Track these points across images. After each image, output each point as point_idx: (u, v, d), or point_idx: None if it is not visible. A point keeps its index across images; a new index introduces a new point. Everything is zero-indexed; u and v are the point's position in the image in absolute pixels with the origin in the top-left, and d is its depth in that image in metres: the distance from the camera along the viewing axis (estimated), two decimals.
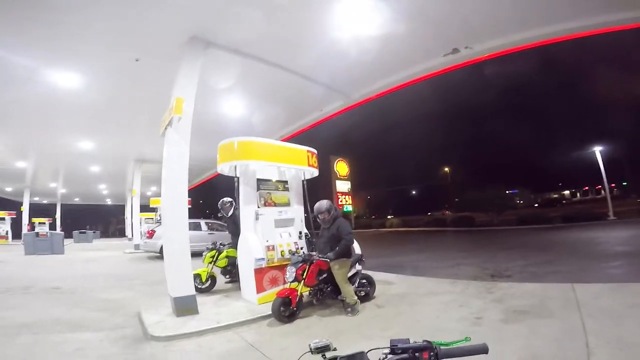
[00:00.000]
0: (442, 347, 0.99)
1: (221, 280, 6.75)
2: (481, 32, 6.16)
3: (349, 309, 4.58)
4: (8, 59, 5.99)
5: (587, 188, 51.77)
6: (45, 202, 30.83)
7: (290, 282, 4.61)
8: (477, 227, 20.93)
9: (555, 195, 56.30)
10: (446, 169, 51.51)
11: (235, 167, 5.65)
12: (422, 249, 12.65)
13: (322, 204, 5.10)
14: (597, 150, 18.36)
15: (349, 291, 4.64)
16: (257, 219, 5.49)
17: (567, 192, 58.31)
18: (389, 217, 37.30)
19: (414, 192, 64.23)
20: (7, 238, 21.56)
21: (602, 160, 18.25)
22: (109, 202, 34.49)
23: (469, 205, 26.96)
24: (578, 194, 55.35)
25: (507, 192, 28.00)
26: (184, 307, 4.72)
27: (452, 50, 6.59)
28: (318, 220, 5.19)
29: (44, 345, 3.70)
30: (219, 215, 7.03)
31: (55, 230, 20.62)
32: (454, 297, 4.95)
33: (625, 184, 38.96)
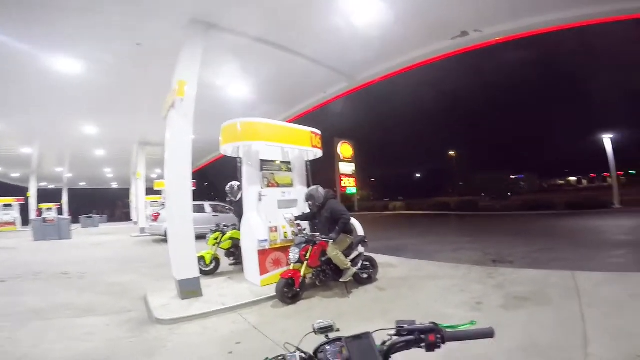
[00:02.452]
0: (448, 330, 0.98)
1: (225, 262, 6.84)
2: (493, 15, 5.95)
3: (343, 278, 4.73)
4: (8, 44, 5.95)
5: (594, 175, 51.26)
6: (51, 187, 31.20)
7: (294, 263, 4.68)
8: (481, 212, 20.92)
9: (562, 182, 55.92)
10: (451, 153, 51.16)
11: (239, 148, 5.65)
12: (425, 233, 12.71)
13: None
14: (608, 137, 18.01)
15: (341, 261, 4.72)
16: (260, 199, 5.51)
17: (573, 178, 57.82)
18: (392, 200, 37.32)
19: (418, 176, 64.11)
20: (15, 225, 21.82)
21: (613, 147, 17.92)
22: (114, 185, 34.82)
23: (473, 190, 26.93)
24: (584, 181, 54.87)
25: (512, 177, 27.84)
26: (189, 289, 4.80)
27: (461, 33, 6.40)
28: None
29: (53, 330, 3.80)
30: (227, 199, 7.07)
31: (62, 215, 20.89)
32: (456, 281, 5.00)
33: (633, 172, 38.49)
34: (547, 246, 7.74)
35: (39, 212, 23.02)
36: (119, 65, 7.10)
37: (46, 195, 27.75)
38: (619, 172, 19.73)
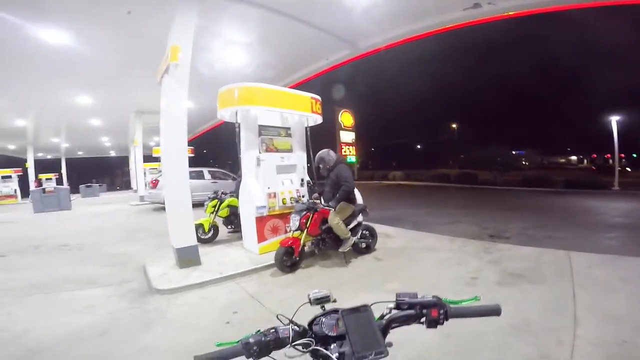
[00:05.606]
0: (451, 306, 0.92)
1: (224, 230, 6.87)
2: None
3: (342, 248, 4.81)
4: None
5: (595, 156, 51.07)
6: (49, 157, 30.81)
7: (294, 231, 4.69)
8: (480, 185, 21.01)
9: (563, 160, 55.80)
10: (453, 125, 50.54)
11: (237, 113, 5.49)
12: (424, 204, 12.81)
13: (319, 154, 5.24)
14: (614, 119, 17.68)
15: (342, 230, 4.75)
16: (258, 164, 5.46)
17: (573, 157, 57.66)
18: (392, 169, 37.35)
19: (419, 147, 63.72)
20: (16, 197, 21.30)
21: (617, 130, 17.64)
22: (112, 154, 34.30)
23: (473, 163, 26.89)
24: (585, 161, 54.75)
25: (513, 152, 27.70)
26: (187, 258, 4.84)
27: (474, 4, 6.05)
28: (320, 170, 5.29)
29: (55, 304, 3.80)
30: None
31: (62, 185, 20.66)
32: (452, 254, 5.09)
33: (635, 155, 38.32)
34: (544, 223, 7.82)
35: (38, 182, 22.90)
36: (108, 34, 6.81)
37: (45, 166, 27.56)
38: (620, 155, 19.56)
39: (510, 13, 6.32)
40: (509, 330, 2.66)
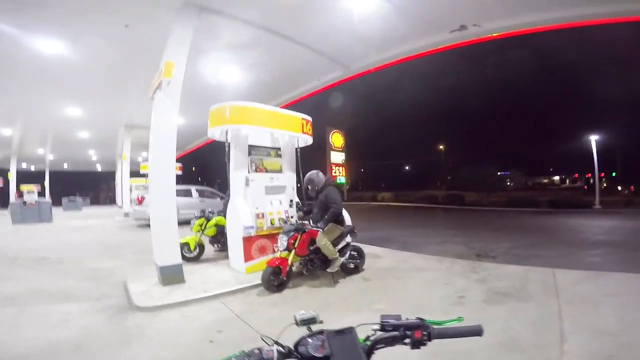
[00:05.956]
0: (435, 327, 0.94)
1: (210, 248, 6.77)
2: (493, 10, 5.90)
3: (330, 268, 4.77)
4: None
5: (577, 175, 52.56)
6: (33, 168, 30.21)
7: (282, 251, 4.63)
8: (467, 206, 21.31)
9: (545, 180, 57.20)
10: (441, 147, 51.60)
11: (227, 132, 5.50)
12: (412, 225, 12.89)
13: (308, 175, 5.29)
14: (593, 139, 18.42)
15: (330, 251, 4.73)
16: (247, 184, 5.45)
17: (556, 177, 59.18)
18: (381, 190, 37.61)
19: (407, 168, 64.53)
20: None
21: (596, 149, 18.38)
22: (99, 168, 33.84)
23: (460, 184, 27.34)
24: (567, 181, 56.25)
25: (498, 173, 28.32)
26: (170, 276, 4.74)
27: (460, 27, 6.34)
28: (309, 191, 5.31)
29: (28, 317, 3.70)
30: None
31: (44, 196, 20.16)
32: (440, 274, 5.09)
33: (614, 174, 39.61)
34: (529, 242, 7.95)
35: (20, 193, 22.21)
36: (104, 47, 6.85)
37: (27, 178, 26.75)
38: (601, 174, 20.25)
39: (495, 35, 6.62)
40: (497, 348, 2.66)
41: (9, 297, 4.35)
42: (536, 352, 2.59)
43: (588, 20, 5.86)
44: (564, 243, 7.91)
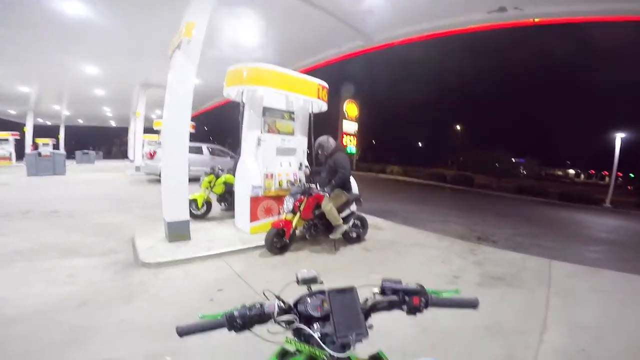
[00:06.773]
0: (432, 295, 0.95)
1: (217, 207, 6.87)
2: None
3: (333, 235, 4.88)
4: None
5: (593, 172, 51.36)
6: (49, 123, 30.58)
7: (287, 213, 4.75)
8: (476, 189, 21.18)
9: (560, 173, 56.10)
10: (457, 126, 50.41)
11: (243, 92, 5.49)
12: (417, 201, 12.96)
13: (318, 139, 5.30)
14: (619, 136, 17.69)
15: (334, 216, 4.82)
16: (259, 144, 5.49)
17: (571, 171, 57.96)
18: (391, 163, 37.39)
19: (420, 144, 63.63)
20: (10, 159, 21.14)
21: (620, 148, 17.68)
22: (112, 124, 33.93)
23: (472, 166, 26.99)
24: (582, 175, 55.09)
25: (513, 159, 27.78)
26: (177, 232, 4.86)
27: (499, 8, 5.96)
28: (319, 155, 5.35)
29: (36, 273, 3.71)
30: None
31: (58, 150, 20.47)
32: (439, 252, 5.21)
33: (632, 175, 38.55)
34: (532, 232, 7.97)
35: (35, 146, 22.64)
36: (125, 7, 6.72)
37: (43, 132, 27.22)
38: (618, 173, 19.72)
39: (536, 20, 6.22)
40: (482, 331, 2.79)
41: (19, 251, 4.40)
42: (517, 339, 2.71)
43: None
44: (567, 236, 7.93)
